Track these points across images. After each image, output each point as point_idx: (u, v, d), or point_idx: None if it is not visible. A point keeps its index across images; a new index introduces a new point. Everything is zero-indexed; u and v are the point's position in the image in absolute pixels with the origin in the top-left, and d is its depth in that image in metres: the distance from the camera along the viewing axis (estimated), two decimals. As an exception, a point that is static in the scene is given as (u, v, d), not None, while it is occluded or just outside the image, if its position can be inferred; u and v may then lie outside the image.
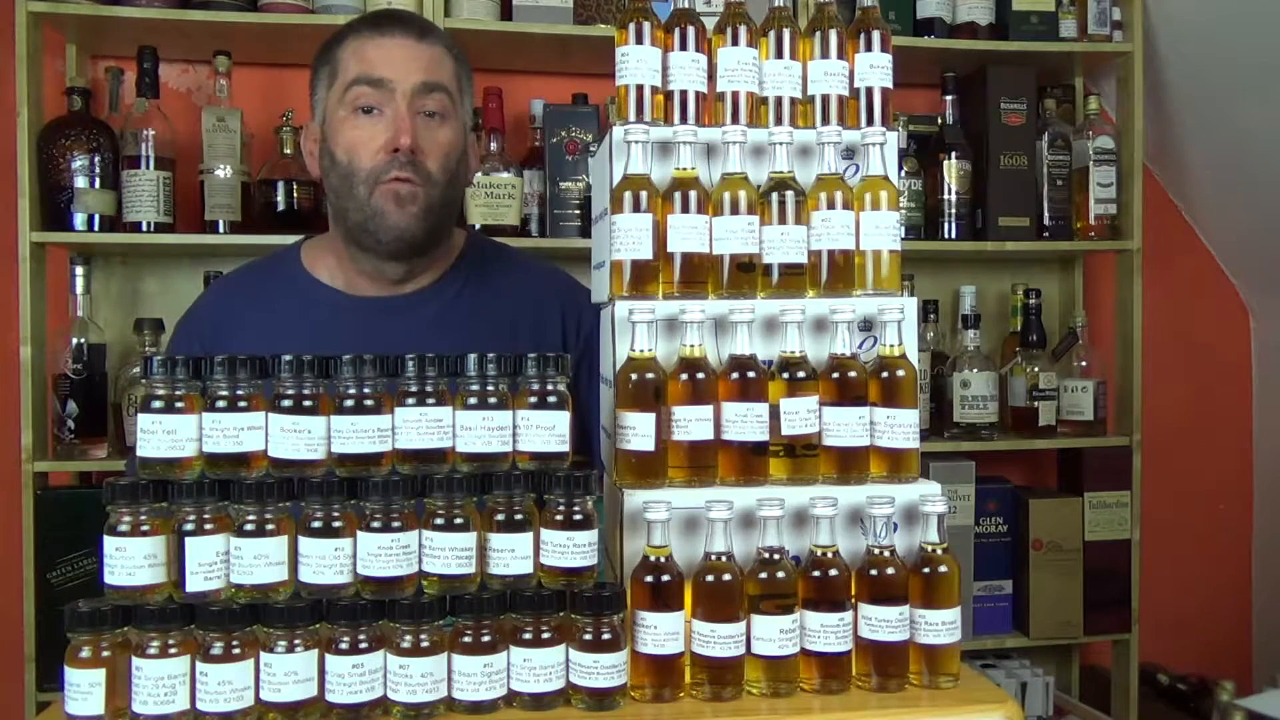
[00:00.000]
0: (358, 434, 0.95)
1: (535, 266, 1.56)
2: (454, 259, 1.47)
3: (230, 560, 0.92)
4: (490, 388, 0.98)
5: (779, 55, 1.12)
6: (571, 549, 0.95)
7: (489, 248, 1.54)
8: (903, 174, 2.18)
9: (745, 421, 1.02)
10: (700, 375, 1.03)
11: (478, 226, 2.08)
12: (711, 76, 1.12)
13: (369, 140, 1.33)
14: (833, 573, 0.99)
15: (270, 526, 0.92)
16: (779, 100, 1.12)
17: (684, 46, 1.10)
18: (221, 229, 2.04)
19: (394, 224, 1.33)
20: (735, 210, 1.06)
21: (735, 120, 1.10)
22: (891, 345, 1.07)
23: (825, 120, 1.12)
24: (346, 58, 1.36)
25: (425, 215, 1.34)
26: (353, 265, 1.41)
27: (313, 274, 1.45)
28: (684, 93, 1.10)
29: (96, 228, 1.98)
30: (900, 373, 1.06)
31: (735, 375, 1.03)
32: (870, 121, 1.13)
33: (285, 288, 1.44)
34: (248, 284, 1.50)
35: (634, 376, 1.03)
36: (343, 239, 1.40)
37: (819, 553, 1.00)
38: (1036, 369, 2.29)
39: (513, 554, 0.95)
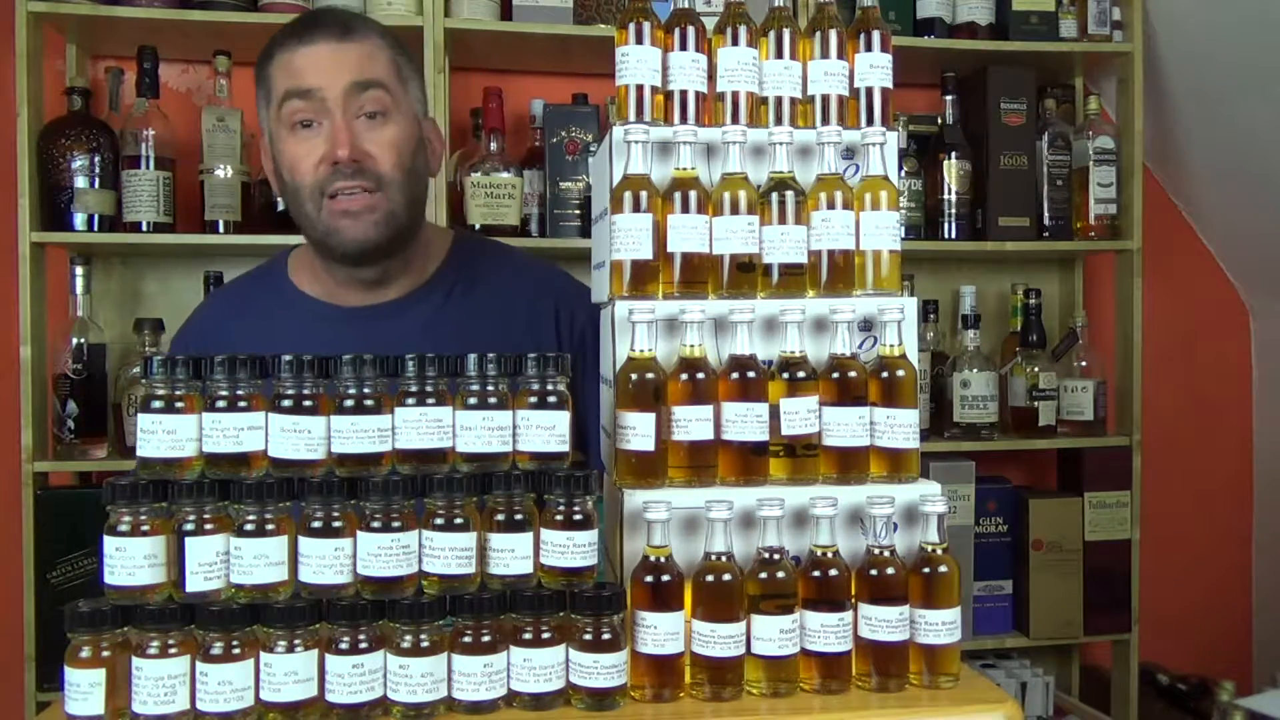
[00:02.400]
0: (358, 434, 0.95)
1: (525, 264, 1.52)
2: (439, 261, 1.44)
3: (230, 560, 0.92)
4: (490, 388, 0.98)
5: (779, 55, 1.12)
6: (571, 549, 0.95)
7: (476, 248, 1.51)
8: (903, 174, 2.18)
9: (745, 421, 1.02)
10: (700, 375, 1.03)
11: (478, 226, 2.08)
12: (711, 76, 1.12)
13: (308, 155, 1.29)
14: (833, 573, 0.99)
15: (270, 526, 0.92)
16: (779, 100, 1.12)
17: (684, 46, 1.10)
18: (221, 229, 2.04)
19: (352, 238, 1.30)
20: (735, 210, 1.06)
21: (735, 120, 1.10)
22: (891, 345, 1.07)
23: (825, 120, 1.12)
24: (276, 73, 1.32)
25: (386, 221, 1.31)
26: (329, 275, 1.40)
27: (296, 284, 1.43)
28: (684, 93, 1.10)
29: (96, 228, 1.98)
30: (900, 373, 1.06)
31: (735, 375, 1.03)
32: (870, 121, 1.13)
33: (272, 300, 1.43)
34: (237, 297, 1.50)
35: (634, 376, 1.03)
36: (314, 250, 1.39)
37: (819, 553, 1.00)
38: (1036, 369, 2.29)
39: (513, 554, 0.95)
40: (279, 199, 1.32)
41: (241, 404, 0.94)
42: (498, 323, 1.41)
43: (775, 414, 1.03)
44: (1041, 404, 2.28)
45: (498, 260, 1.50)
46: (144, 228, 1.98)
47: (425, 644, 0.92)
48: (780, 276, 1.08)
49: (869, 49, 1.13)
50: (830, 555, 1.00)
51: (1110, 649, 2.40)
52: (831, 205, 1.08)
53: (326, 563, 0.92)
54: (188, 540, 0.91)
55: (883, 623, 0.99)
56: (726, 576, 0.97)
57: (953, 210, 2.28)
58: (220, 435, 0.93)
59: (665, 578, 0.97)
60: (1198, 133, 2.46)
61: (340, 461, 0.95)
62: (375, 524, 0.93)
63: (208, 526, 0.92)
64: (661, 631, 0.96)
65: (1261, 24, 2.13)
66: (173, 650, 0.89)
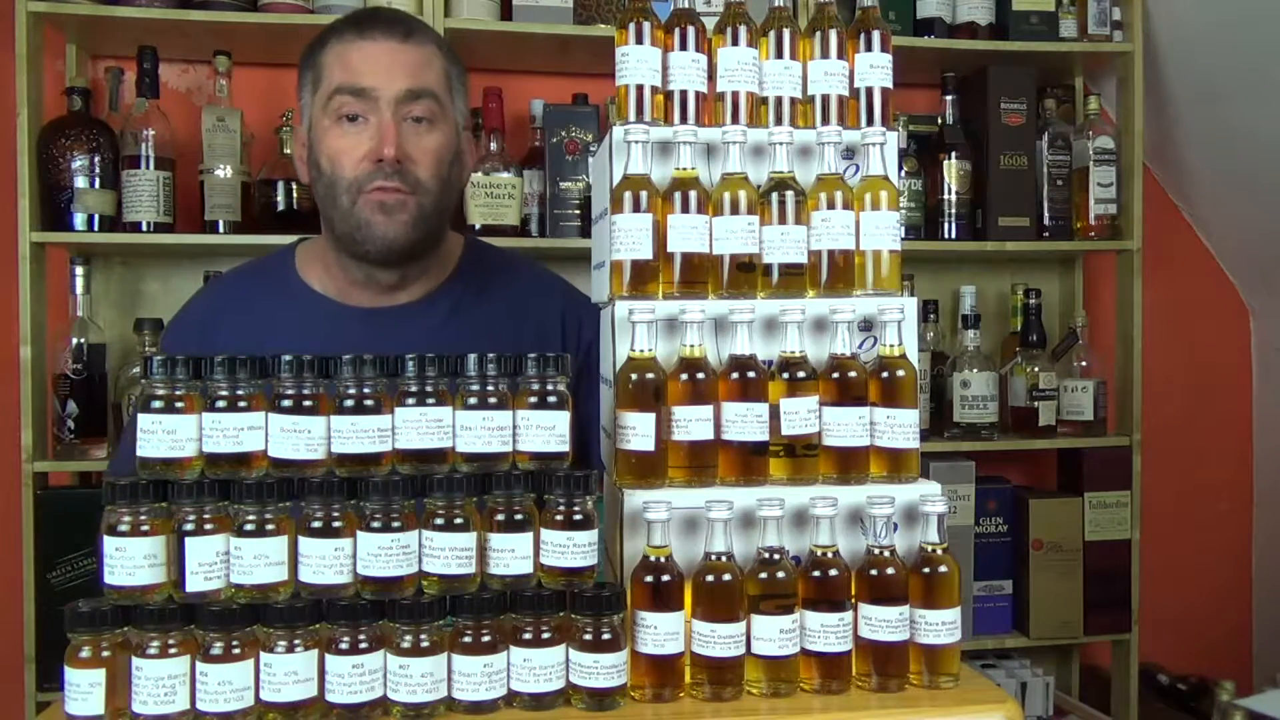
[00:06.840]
0: (358, 434, 0.95)
1: (535, 276, 1.52)
2: (450, 269, 1.44)
3: (230, 560, 0.92)
4: (490, 388, 0.98)
5: (779, 55, 1.12)
6: (571, 549, 0.95)
7: (487, 256, 1.50)
8: (903, 174, 2.18)
9: (745, 421, 1.02)
10: (700, 375, 1.03)
11: (478, 226, 2.08)
12: (711, 76, 1.12)
13: (352, 149, 1.30)
14: (833, 573, 0.99)
15: (270, 526, 0.92)
16: (779, 100, 1.12)
17: (684, 46, 1.10)
18: (221, 229, 2.04)
19: (381, 234, 1.30)
20: (735, 210, 1.06)
21: (735, 120, 1.10)
22: (891, 345, 1.07)
23: (825, 120, 1.12)
24: (329, 63, 1.33)
25: (416, 224, 1.32)
26: (343, 273, 1.39)
27: (305, 280, 1.42)
28: (684, 93, 1.10)
29: (96, 228, 1.98)
30: (900, 373, 1.06)
31: (735, 375, 1.03)
32: (870, 121, 1.13)
33: (277, 293, 1.42)
34: (240, 287, 1.48)
35: (634, 376, 1.03)
36: (332, 246, 1.38)
37: (819, 553, 1.00)
38: (1036, 369, 2.29)
39: (513, 554, 0.95)
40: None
41: (241, 404, 0.94)
42: (506, 337, 1.39)
43: (775, 414, 1.03)
44: (1041, 404, 2.28)
45: (507, 270, 1.49)
46: (144, 228, 1.98)
47: (425, 644, 0.92)
48: (780, 276, 1.08)
49: (869, 49, 1.13)
50: (830, 555, 1.00)
51: (1110, 649, 2.40)
52: (831, 205, 1.08)
53: (326, 563, 0.92)
54: (188, 540, 0.91)
55: (883, 623, 0.99)
56: (726, 576, 0.97)
57: (953, 210, 2.28)
58: (220, 435, 0.93)
59: (665, 578, 0.97)
60: (1198, 133, 2.46)
61: (340, 461, 0.95)
62: (375, 524, 0.93)
63: (208, 526, 0.92)
64: (661, 631, 0.96)
65: (1261, 25, 2.13)
66: (173, 650, 0.89)
